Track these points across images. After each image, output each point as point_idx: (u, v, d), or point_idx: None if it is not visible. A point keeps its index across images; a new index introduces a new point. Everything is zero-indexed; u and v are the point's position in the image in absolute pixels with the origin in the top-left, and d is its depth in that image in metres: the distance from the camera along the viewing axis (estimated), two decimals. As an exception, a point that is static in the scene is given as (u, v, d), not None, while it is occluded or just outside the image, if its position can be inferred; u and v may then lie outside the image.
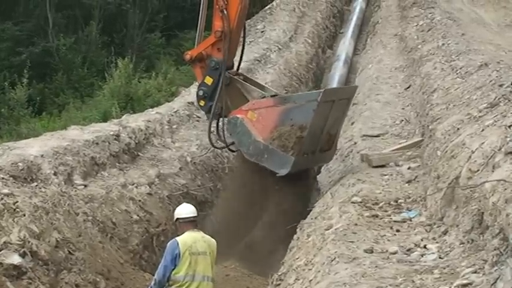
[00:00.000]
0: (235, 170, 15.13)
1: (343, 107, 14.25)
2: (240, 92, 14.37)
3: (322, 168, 17.67)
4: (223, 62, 14.04)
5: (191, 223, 10.43)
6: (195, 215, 10.53)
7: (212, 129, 14.89)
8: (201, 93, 14.43)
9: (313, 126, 13.35)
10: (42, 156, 12.86)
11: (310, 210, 13.07)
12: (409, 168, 12.96)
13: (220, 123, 14.79)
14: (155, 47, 40.22)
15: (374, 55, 27.18)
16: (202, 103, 14.52)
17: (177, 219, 10.47)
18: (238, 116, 13.88)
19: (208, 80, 14.24)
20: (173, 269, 10.08)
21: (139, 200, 14.38)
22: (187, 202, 12.07)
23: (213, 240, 10.57)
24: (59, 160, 13.21)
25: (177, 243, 10.15)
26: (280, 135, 13.45)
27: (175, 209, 10.84)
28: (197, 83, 15.14)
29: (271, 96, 14.28)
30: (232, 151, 15.64)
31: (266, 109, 13.74)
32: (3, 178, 11.39)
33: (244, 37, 15.26)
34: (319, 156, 14.45)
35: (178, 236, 10.44)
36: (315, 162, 15.12)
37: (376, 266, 7.81)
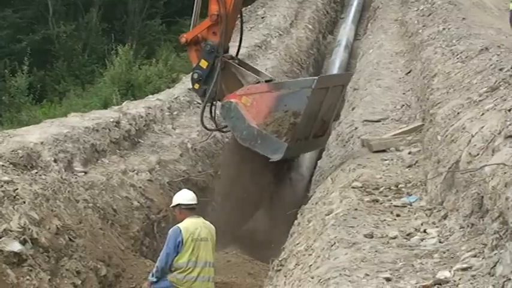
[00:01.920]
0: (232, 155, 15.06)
1: (337, 93, 14.22)
2: (234, 76, 14.31)
3: (323, 153, 17.68)
4: (220, 45, 13.99)
5: (192, 210, 10.46)
6: (196, 201, 10.56)
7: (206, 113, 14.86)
8: (195, 76, 14.35)
9: (307, 113, 13.31)
10: (42, 143, 12.87)
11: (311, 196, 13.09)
12: (409, 153, 12.94)
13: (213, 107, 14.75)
14: (156, 34, 40.11)
15: (375, 40, 27.11)
16: (196, 86, 14.44)
17: (179, 205, 10.48)
18: (232, 100, 13.81)
19: (203, 64, 14.16)
20: (175, 256, 10.12)
21: (140, 187, 14.40)
22: (188, 188, 12.07)
23: (212, 226, 10.61)
24: (59, 147, 13.22)
25: (180, 231, 10.18)
26: (274, 121, 13.38)
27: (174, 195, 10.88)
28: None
29: (266, 81, 14.23)
30: (224, 132, 15.69)
31: (260, 94, 13.68)
32: (3, 165, 11.40)
33: (241, 22, 15.22)
34: (313, 142, 14.44)
35: (178, 222, 10.48)
36: (308, 148, 15.13)
37: (376, 251, 7.80)
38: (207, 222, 10.56)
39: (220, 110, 14.20)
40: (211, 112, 14.63)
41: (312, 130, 13.88)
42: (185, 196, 10.60)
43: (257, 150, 13.53)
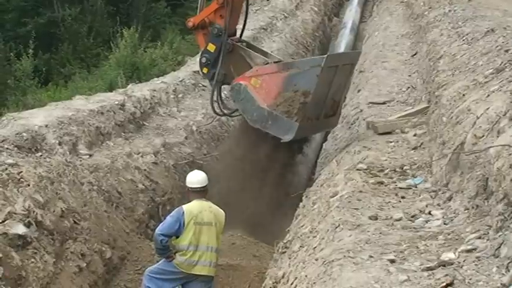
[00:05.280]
0: (237, 138, 15.05)
1: (347, 72, 14.14)
2: (243, 58, 14.24)
3: (329, 135, 17.65)
4: (225, 28, 13.94)
5: (200, 192, 10.44)
6: (204, 185, 10.51)
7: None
8: (204, 60, 14.31)
9: (317, 92, 13.23)
10: (46, 126, 12.88)
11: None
12: (414, 135, 12.90)
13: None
14: (161, 17, 40.00)
15: (380, 22, 27.05)
16: (205, 70, 14.39)
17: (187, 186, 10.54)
18: (241, 82, 13.75)
19: (211, 47, 14.11)
20: (173, 234, 10.18)
21: (145, 169, 14.41)
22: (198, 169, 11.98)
23: (221, 211, 10.56)
24: (63, 130, 13.23)
25: (183, 212, 10.20)
26: (284, 101, 13.29)
27: (186, 176, 10.89)
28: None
29: (275, 62, 14.17)
30: (232, 116, 15.69)
31: (270, 75, 13.59)
32: (7, 148, 11.42)
33: (247, 5, 15.13)
34: (324, 122, 14.36)
35: (184, 203, 10.51)
36: (319, 128, 15.07)
37: (380, 233, 7.78)
38: (215, 206, 10.52)
39: (230, 93, 14.17)
40: (220, 96, 14.61)
41: (322, 110, 13.80)
42: (192, 179, 10.59)
43: (268, 131, 13.48)
